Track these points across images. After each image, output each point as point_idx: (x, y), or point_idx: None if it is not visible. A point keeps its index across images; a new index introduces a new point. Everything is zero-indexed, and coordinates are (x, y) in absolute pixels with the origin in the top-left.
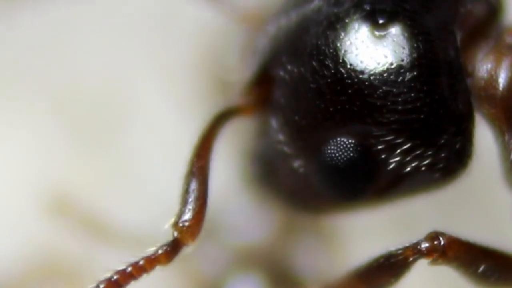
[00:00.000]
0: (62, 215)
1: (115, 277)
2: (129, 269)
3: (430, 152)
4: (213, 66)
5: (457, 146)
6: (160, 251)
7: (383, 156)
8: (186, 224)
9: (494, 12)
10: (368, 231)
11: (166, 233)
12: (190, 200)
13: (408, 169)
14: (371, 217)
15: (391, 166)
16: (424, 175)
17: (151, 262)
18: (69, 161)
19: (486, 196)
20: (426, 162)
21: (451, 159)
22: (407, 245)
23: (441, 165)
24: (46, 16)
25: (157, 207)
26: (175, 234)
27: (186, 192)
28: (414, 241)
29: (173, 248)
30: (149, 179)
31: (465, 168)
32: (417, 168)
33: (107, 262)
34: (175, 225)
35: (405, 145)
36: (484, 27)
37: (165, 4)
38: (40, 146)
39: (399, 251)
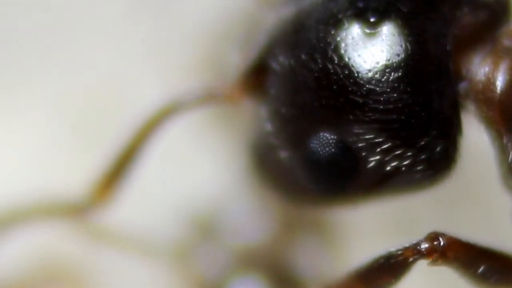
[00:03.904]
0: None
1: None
2: (40, 207)
3: (410, 153)
4: (213, 66)
5: (439, 149)
6: (64, 210)
7: (363, 154)
8: (101, 192)
9: (496, 17)
10: (368, 231)
11: (166, 232)
12: (112, 168)
13: (388, 168)
14: (371, 217)
15: (371, 164)
16: (404, 176)
17: (61, 211)
18: (69, 160)
19: (485, 197)
20: (406, 162)
21: (432, 162)
22: (407, 245)
23: (421, 167)
24: (45, 15)
25: (157, 207)
26: (88, 200)
27: (113, 160)
28: (414, 241)
29: (81, 211)
30: (149, 179)
31: (448, 171)
32: (397, 168)
33: (107, 262)
34: (91, 192)
35: (385, 144)
36: (484, 31)
37: (165, 3)
38: (40, 145)
39: (399, 252)
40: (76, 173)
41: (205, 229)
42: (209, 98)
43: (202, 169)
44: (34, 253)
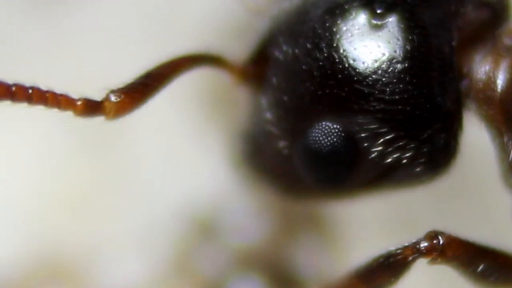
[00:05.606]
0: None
1: (13, 88)
2: (46, 94)
3: (412, 145)
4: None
5: (441, 142)
6: (79, 102)
7: (365, 144)
8: (120, 98)
9: (497, 16)
10: (368, 231)
11: (166, 232)
12: (137, 82)
13: (389, 160)
14: (370, 217)
15: (373, 155)
16: (405, 168)
17: (66, 102)
18: (70, 161)
19: (485, 195)
20: (407, 154)
21: (434, 155)
22: (406, 244)
23: (422, 160)
24: (45, 15)
25: (158, 208)
26: (105, 99)
27: (140, 76)
28: (413, 240)
29: (93, 108)
30: (149, 179)
31: (448, 165)
32: (398, 160)
33: (107, 263)
34: (111, 92)
35: (388, 135)
36: (485, 30)
37: (165, 3)
38: (41, 146)
39: (399, 251)
40: (76, 173)
41: (205, 229)
42: (221, 61)
43: (202, 169)
44: (34, 252)
